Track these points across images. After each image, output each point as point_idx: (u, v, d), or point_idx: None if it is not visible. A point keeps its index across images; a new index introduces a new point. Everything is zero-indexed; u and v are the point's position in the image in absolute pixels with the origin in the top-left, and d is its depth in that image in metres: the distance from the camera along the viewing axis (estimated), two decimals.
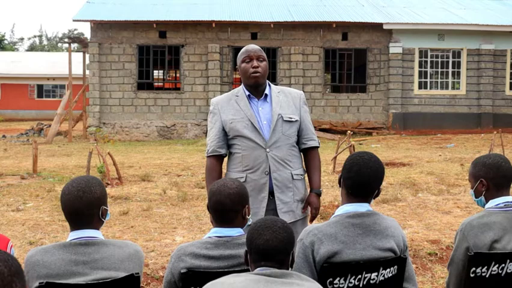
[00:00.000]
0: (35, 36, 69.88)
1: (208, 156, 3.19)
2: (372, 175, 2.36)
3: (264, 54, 3.18)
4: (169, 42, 20.38)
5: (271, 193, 3.10)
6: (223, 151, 3.16)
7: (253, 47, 3.17)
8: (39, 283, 2.06)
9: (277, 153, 3.09)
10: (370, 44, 20.84)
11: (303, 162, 3.29)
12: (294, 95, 3.25)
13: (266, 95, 3.16)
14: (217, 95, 19.27)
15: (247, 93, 3.15)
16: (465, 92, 21.05)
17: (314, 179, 3.23)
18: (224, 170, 3.24)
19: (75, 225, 2.22)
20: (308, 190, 3.27)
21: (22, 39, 69.41)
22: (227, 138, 3.16)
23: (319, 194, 3.22)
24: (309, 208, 3.23)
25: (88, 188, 2.21)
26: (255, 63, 3.09)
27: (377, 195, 2.43)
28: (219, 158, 3.18)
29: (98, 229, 2.25)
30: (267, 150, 3.08)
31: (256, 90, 3.15)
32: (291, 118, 3.14)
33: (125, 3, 21.69)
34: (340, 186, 2.47)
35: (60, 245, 2.17)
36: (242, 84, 3.21)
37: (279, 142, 3.10)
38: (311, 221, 3.18)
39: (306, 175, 3.28)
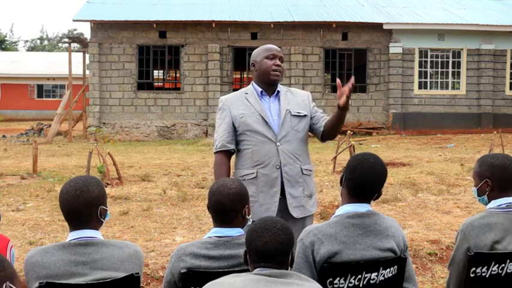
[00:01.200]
0: (39, 38, 69.89)
1: (216, 152, 3.15)
2: (376, 178, 2.35)
3: (283, 57, 3.24)
4: (169, 42, 20.38)
5: (281, 189, 3.10)
6: (232, 146, 3.14)
7: (276, 47, 3.22)
8: (39, 283, 2.05)
9: (287, 147, 3.10)
10: (370, 44, 20.84)
11: (328, 129, 3.19)
12: (302, 94, 3.31)
13: (278, 91, 3.21)
14: (217, 95, 19.36)
15: (260, 89, 3.18)
16: (465, 92, 21.05)
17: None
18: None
19: (74, 225, 2.21)
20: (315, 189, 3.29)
21: (26, 41, 69.54)
22: (236, 135, 3.16)
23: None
24: (316, 205, 3.25)
25: (86, 188, 2.20)
26: (278, 61, 3.15)
27: (378, 197, 2.43)
28: (227, 154, 3.15)
29: (97, 229, 2.24)
30: (278, 144, 3.09)
31: (270, 88, 3.19)
32: (299, 113, 3.17)
33: (125, 3, 21.69)
34: (341, 185, 2.46)
35: (59, 245, 2.16)
36: (252, 83, 3.25)
37: (288, 136, 3.12)
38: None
39: (313, 172, 3.28)
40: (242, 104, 3.15)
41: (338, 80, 3.06)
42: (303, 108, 3.20)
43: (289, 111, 3.15)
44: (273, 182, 3.07)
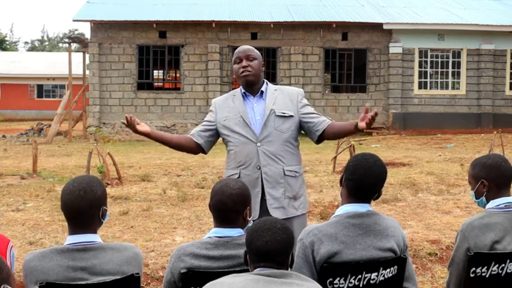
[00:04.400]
0: (39, 40, 69.88)
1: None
2: (376, 178, 2.36)
3: (255, 53, 3.21)
4: (169, 42, 20.38)
5: (263, 190, 3.10)
6: (200, 141, 3.26)
7: (243, 47, 3.25)
8: (39, 284, 2.05)
9: (268, 148, 3.11)
10: (370, 44, 20.84)
11: (327, 138, 3.21)
12: (292, 92, 3.28)
13: (262, 92, 3.22)
14: (217, 95, 19.34)
15: (243, 90, 3.24)
16: (465, 92, 21.05)
17: (349, 121, 3.17)
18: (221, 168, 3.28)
19: (74, 226, 2.19)
20: (304, 188, 3.28)
21: (26, 42, 69.59)
22: (223, 137, 3.25)
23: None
24: (306, 207, 3.24)
25: (89, 188, 2.18)
26: (244, 63, 3.17)
27: (378, 197, 2.43)
28: (194, 140, 3.28)
29: (96, 231, 2.23)
30: (258, 144, 3.11)
31: (252, 88, 3.22)
32: (284, 113, 3.16)
33: (125, 3, 21.69)
34: (341, 185, 2.46)
35: (58, 250, 2.14)
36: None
37: (270, 137, 3.12)
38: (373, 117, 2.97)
39: (302, 174, 3.25)
40: (227, 106, 3.24)
41: (366, 106, 3.07)
42: (290, 108, 3.18)
43: (274, 112, 3.14)
44: (255, 182, 3.09)
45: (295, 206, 3.15)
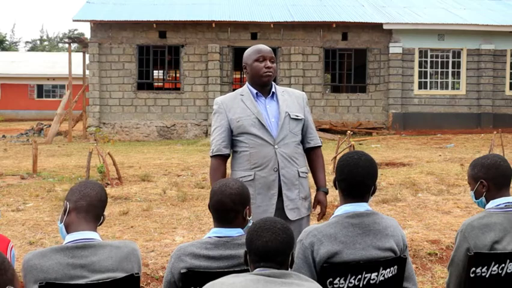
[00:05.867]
0: (39, 39, 69.82)
1: (212, 156, 3.17)
2: (365, 174, 2.37)
3: (274, 56, 3.23)
4: (169, 42, 20.38)
5: (278, 191, 3.11)
6: (227, 151, 3.16)
7: (266, 47, 3.20)
8: (39, 283, 2.06)
9: (285, 150, 3.11)
10: (370, 44, 20.84)
11: (307, 162, 3.31)
12: (298, 95, 3.30)
13: (273, 93, 3.20)
14: (217, 95, 19.34)
15: (255, 91, 3.18)
16: (465, 92, 21.05)
17: (320, 177, 3.26)
18: (228, 171, 3.23)
19: (87, 219, 2.26)
20: (311, 189, 3.29)
21: (27, 42, 69.60)
22: (232, 138, 3.16)
23: (326, 192, 3.25)
24: (310, 207, 3.25)
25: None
26: (268, 63, 3.13)
27: (373, 192, 2.44)
28: (223, 158, 3.17)
29: (96, 229, 2.26)
30: (276, 147, 3.09)
31: (264, 89, 3.19)
32: (297, 116, 3.18)
33: (125, 3, 21.69)
34: (336, 188, 2.48)
35: (57, 248, 2.16)
36: (247, 84, 3.24)
37: (286, 139, 3.12)
38: (320, 219, 3.19)
39: (309, 174, 3.29)
40: (238, 106, 3.15)
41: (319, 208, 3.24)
42: (299, 111, 3.20)
43: (289, 114, 3.14)
44: (271, 184, 3.08)
45: (305, 205, 3.19)
